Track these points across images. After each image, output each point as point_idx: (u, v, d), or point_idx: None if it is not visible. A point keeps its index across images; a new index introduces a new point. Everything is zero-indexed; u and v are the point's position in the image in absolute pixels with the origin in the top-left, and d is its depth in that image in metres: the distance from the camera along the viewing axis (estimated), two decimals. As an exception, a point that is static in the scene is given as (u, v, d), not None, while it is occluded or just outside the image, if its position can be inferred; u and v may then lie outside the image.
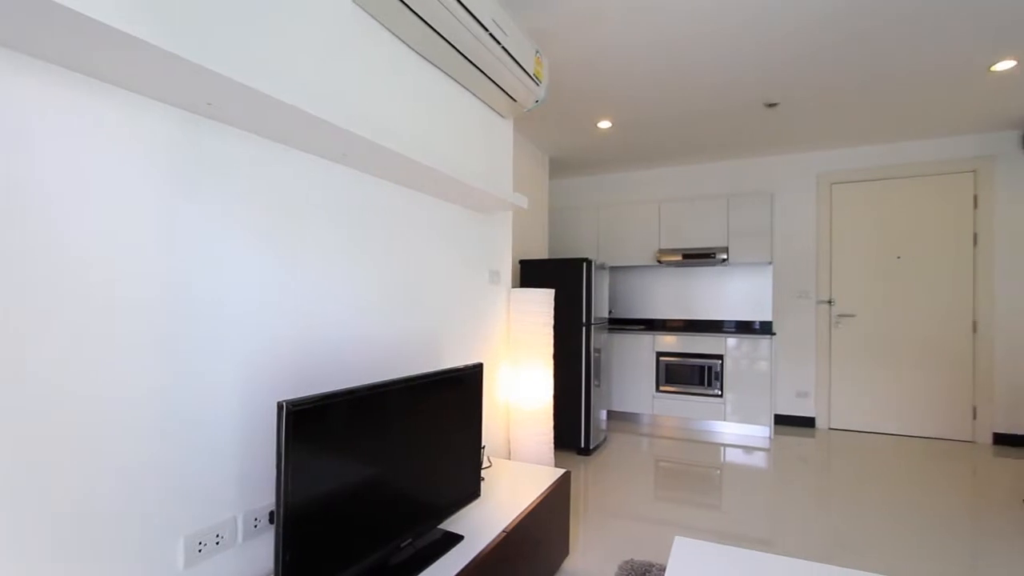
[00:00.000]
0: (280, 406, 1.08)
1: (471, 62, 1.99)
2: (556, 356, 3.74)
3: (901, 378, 4.40)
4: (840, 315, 4.59)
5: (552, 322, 2.63)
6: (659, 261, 4.86)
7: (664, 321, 5.18)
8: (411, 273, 1.93)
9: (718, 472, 3.44)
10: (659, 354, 4.64)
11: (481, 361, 2.17)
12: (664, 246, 4.89)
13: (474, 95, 2.33)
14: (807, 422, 4.68)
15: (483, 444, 2.36)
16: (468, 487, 1.74)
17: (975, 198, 4.21)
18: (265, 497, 1.36)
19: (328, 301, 1.55)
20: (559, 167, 5.28)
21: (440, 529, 1.64)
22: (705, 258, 4.68)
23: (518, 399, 2.60)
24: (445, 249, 2.15)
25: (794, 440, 4.24)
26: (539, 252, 4.74)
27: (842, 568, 1.37)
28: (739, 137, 4.29)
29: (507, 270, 2.66)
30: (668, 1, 2.35)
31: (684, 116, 3.83)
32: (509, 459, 2.61)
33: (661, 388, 4.62)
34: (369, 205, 1.72)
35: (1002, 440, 4.10)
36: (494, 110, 2.53)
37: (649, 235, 4.96)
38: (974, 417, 4.19)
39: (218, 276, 1.23)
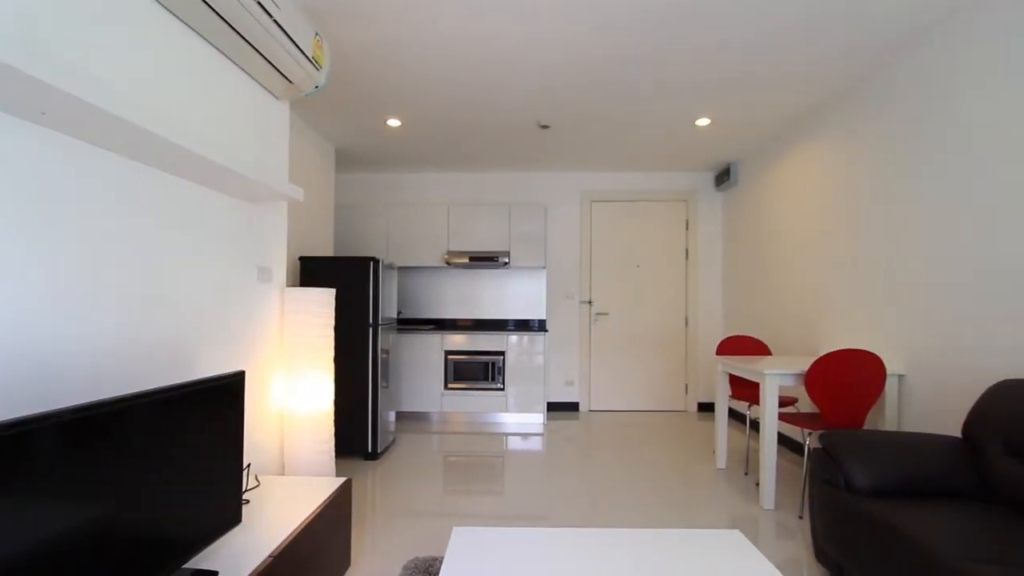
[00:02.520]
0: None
1: (234, 29, 1.75)
2: (339, 359, 3.54)
3: (640, 364, 5.37)
4: (597, 313, 5.39)
5: (333, 323, 2.47)
6: (448, 262, 5.02)
7: (453, 321, 5.37)
8: (157, 270, 1.60)
9: (500, 460, 3.69)
10: (448, 353, 4.78)
11: (243, 369, 1.92)
12: (453, 248, 5.06)
13: (242, 70, 2.06)
14: (573, 407, 5.37)
15: (247, 463, 2.09)
16: (225, 514, 1.51)
17: (687, 222, 5.39)
18: None
19: (38, 306, 1.18)
20: (348, 161, 5.04)
21: (187, 569, 1.39)
22: (489, 261, 5.00)
23: (295, 408, 2.38)
24: (203, 243, 1.84)
25: (563, 424, 4.82)
26: (324, 249, 4.45)
27: (597, 528, 1.60)
28: (519, 151, 4.70)
29: (281, 268, 2.42)
30: (446, 5, 2.44)
31: (469, 126, 4.03)
32: (283, 474, 2.37)
33: (450, 385, 4.77)
34: (91, 184, 1.37)
35: (703, 408, 5.34)
36: (267, 90, 2.27)
37: (439, 237, 5.08)
38: (686, 392, 5.36)
39: None
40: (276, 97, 2.35)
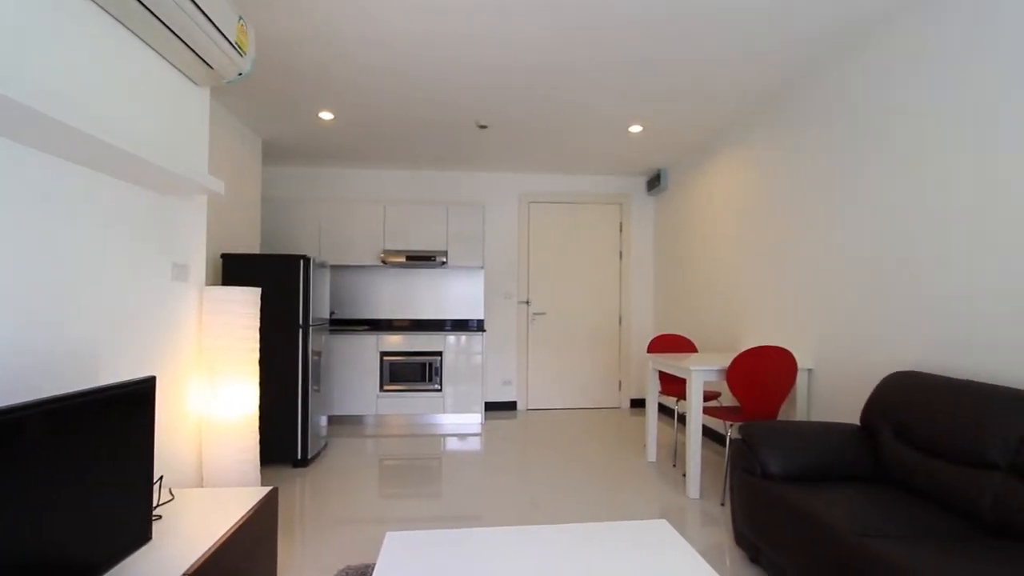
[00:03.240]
0: None
1: (146, 6, 1.61)
2: (266, 361, 3.37)
3: (576, 363, 5.49)
4: (535, 313, 5.45)
5: (258, 324, 2.34)
6: (384, 261, 4.90)
7: (390, 321, 5.25)
8: (54, 268, 1.44)
9: (438, 462, 3.65)
10: (383, 354, 4.66)
11: (154, 374, 1.78)
12: (389, 247, 4.95)
13: (155, 51, 1.91)
14: (511, 406, 5.40)
15: (159, 475, 1.93)
16: (132, 532, 1.39)
17: (621, 224, 5.58)
18: None
19: None
20: (278, 154, 4.80)
21: (85, 595, 1.26)
22: (427, 260, 4.93)
23: (215, 415, 2.23)
24: (109, 238, 1.68)
25: (501, 423, 4.84)
26: (250, 246, 4.21)
27: (531, 526, 1.61)
28: (457, 151, 4.67)
29: (200, 265, 2.26)
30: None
31: (406, 123, 3.95)
32: (202, 486, 2.21)
33: (385, 387, 4.65)
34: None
35: (635, 404, 5.54)
36: (184, 74, 2.11)
37: (375, 235, 4.95)
38: (620, 389, 5.54)
39: None
40: (195, 83, 2.19)
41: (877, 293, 2.55)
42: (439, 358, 4.73)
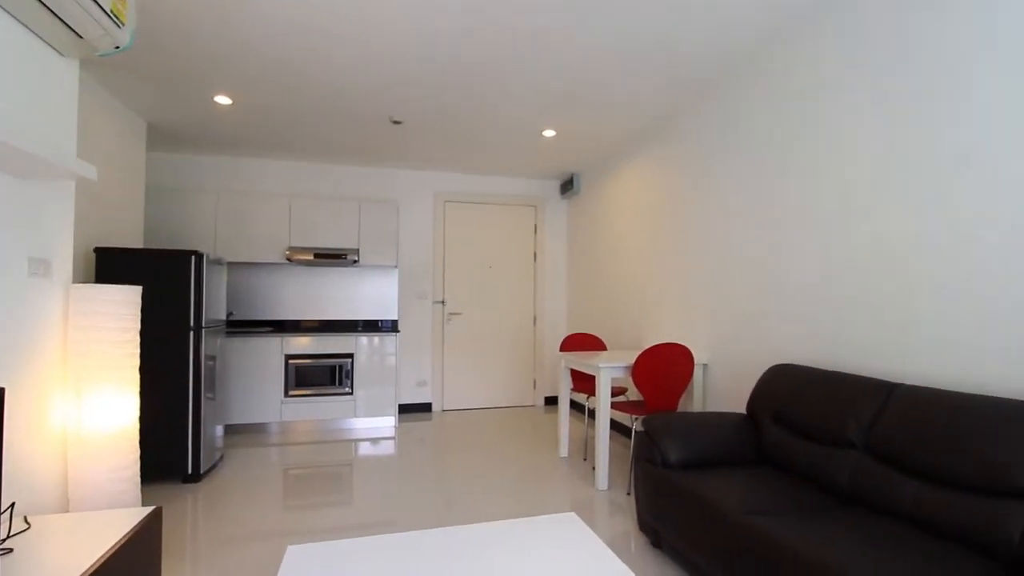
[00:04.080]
0: None
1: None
2: (150, 368, 3.05)
3: (491, 362, 5.52)
4: (450, 313, 5.41)
5: (138, 327, 2.11)
6: (289, 259, 4.62)
7: (296, 322, 4.96)
8: None
9: (349, 468, 3.50)
10: (289, 357, 4.40)
11: (2, 386, 1.55)
12: (295, 244, 4.68)
13: (8, 13, 1.65)
14: (426, 407, 5.32)
15: (9, 502, 1.68)
16: (-30, 571, 1.19)
17: (535, 226, 5.70)
18: None
19: None
20: (167, 139, 4.36)
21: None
22: (337, 258, 4.72)
23: (85, 428, 1.97)
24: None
25: (416, 425, 4.75)
26: (131, 239, 3.78)
27: (443, 528, 1.59)
28: (370, 145, 4.52)
29: (66, 260, 1.99)
30: (295, -14, 2.25)
31: (314, 114, 3.76)
32: (67, 511, 1.95)
33: (291, 392, 4.39)
34: None
35: (549, 401, 5.68)
36: (47, 43, 1.85)
37: (279, 231, 4.65)
38: (534, 387, 5.65)
39: None
40: (60, 53, 1.93)
41: (761, 295, 2.82)
42: (350, 360, 4.55)
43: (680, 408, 3.45)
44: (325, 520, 2.67)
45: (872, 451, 1.86)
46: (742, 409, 2.95)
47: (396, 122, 3.91)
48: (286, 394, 4.38)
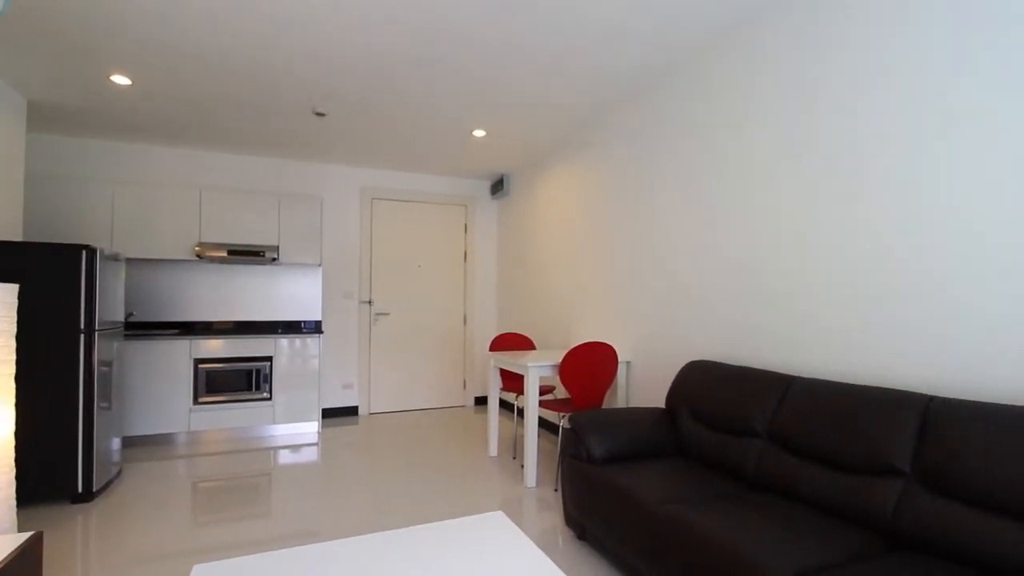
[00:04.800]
0: None
1: None
2: (30, 376, 2.72)
3: (421, 363, 5.44)
4: (378, 313, 5.27)
5: (14, 330, 1.87)
6: (200, 256, 4.28)
7: (208, 324, 4.62)
8: None
9: (267, 478, 3.31)
10: (199, 361, 4.08)
11: None
12: (206, 239, 4.35)
13: None
14: (352, 411, 5.14)
15: None
16: None
17: (466, 226, 5.68)
18: None
19: None
20: (51, 119, 3.90)
21: None
22: (254, 256, 4.44)
23: (-57, 450, 1.72)
24: None
25: (341, 430, 4.57)
26: (8, 231, 3.34)
27: (369, 535, 1.54)
28: (292, 137, 4.29)
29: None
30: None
31: (228, 102, 3.51)
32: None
33: (201, 400, 4.08)
34: None
35: (479, 401, 5.68)
36: None
37: (187, 225, 4.31)
38: (464, 388, 5.63)
39: None
40: (-86, 14, 1.67)
41: (679, 295, 2.98)
42: (268, 364, 4.30)
43: (605, 405, 3.58)
44: (240, 535, 2.50)
45: (774, 440, 2.02)
46: (662, 404, 3.11)
47: (319, 114, 3.74)
48: (195, 401, 4.07)
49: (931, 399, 1.63)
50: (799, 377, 2.10)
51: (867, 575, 1.34)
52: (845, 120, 2.06)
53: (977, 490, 1.40)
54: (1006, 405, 1.46)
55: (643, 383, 3.30)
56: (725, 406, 2.25)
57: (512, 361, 3.30)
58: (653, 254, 3.20)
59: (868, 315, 1.96)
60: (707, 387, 2.39)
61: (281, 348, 4.34)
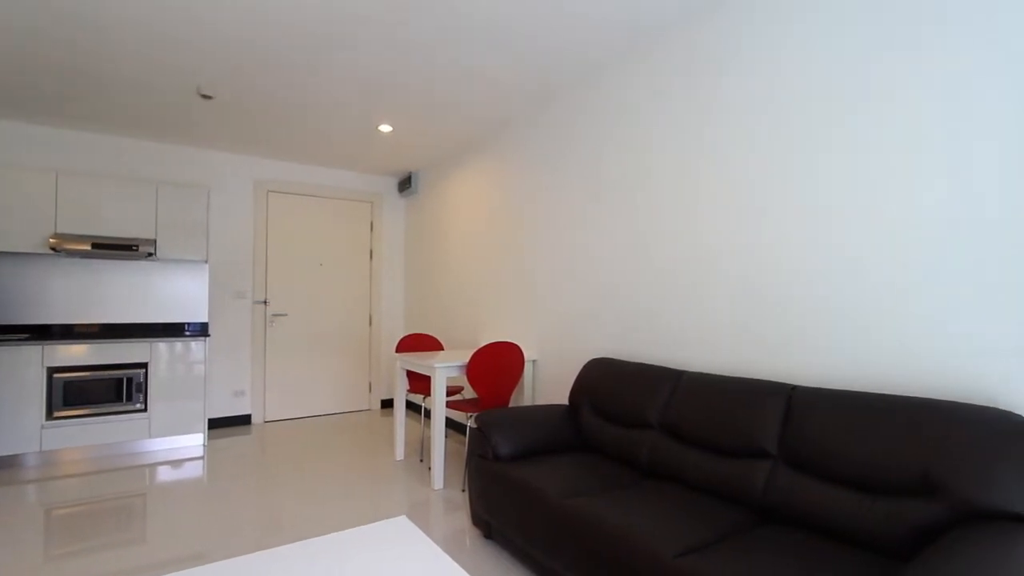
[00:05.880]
0: None
1: None
2: None
3: (323, 367, 5.17)
4: (275, 314, 4.93)
5: None
6: (55, 249, 3.73)
7: (69, 327, 4.04)
8: None
9: (142, 499, 2.97)
10: (54, 370, 3.56)
11: None
12: (64, 230, 3.80)
13: None
14: (244, 420, 4.77)
15: None
16: None
17: (372, 224, 5.49)
18: None
19: None
20: None
21: None
22: (125, 250, 3.95)
23: None
24: None
25: (231, 441, 4.22)
26: None
27: (261, 552, 1.43)
28: (173, 120, 3.88)
29: None
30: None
31: (91, 74, 3.10)
32: None
33: (57, 415, 3.56)
34: None
35: (386, 404, 5.53)
36: None
37: (40, 214, 3.73)
38: (370, 391, 5.45)
39: None
40: None
41: (583, 295, 3.11)
42: (143, 371, 3.85)
43: (513, 403, 3.64)
44: (107, 565, 2.22)
45: (665, 430, 2.18)
46: (565, 400, 3.22)
47: (206, 96, 3.42)
48: (49, 416, 3.54)
49: (794, 388, 1.85)
50: (687, 371, 2.28)
51: (738, 548, 1.49)
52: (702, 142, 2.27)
53: (826, 466, 1.62)
54: (853, 392, 1.69)
55: (549, 381, 3.40)
56: (623, 400, 2.39)
57: (419, 362, 3.25)
58: (559, 255, 3.31)
59: (749, 313, 2.18)
60: (607, 383, 2.52)
61: (159, 353, 3.91)
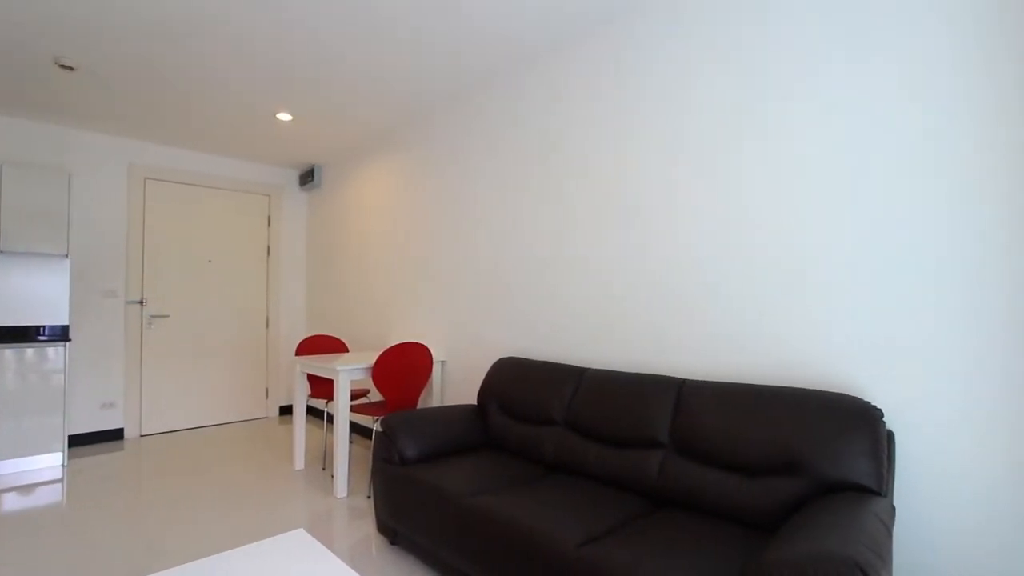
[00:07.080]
0: None
1: None
2: None
3: (212, 373, 4.74)
4: (153, 316, 4.43)
5: None
6: None
7: None
8: None
9: (-28, 535, 2.52)
10: None
11: None
12: None
13: None
14: (115, 435, 4.24)
15: None
16: None
17: (269, 218, 5.13)
18: None
19: None
20: None
21: None
22: (-42, 243, 3.35)
23: None
24: None
25: (98, 459, 3.73)
26: None
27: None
28: (22, 91, 3.35)
29: None
30: None
31: (-82, 31, 2.59)
32: None
33: None
34: None
35: (285, 411, 5.19)
36: None
37: None
38: (267, 397, 5.08)
39: None
40: None
41: (491, 295, 3.13)
42: (-17, 384, 3.29)
43: (421, 405, 3.58)
44: (-73, 617, 1.87)
45: (569, 426, 2.26)
46: (474, 400, 3.23)
47: (66, 67, 2.99)
48: None
49: (684, 382, 2.00)
50: (589, 368, 2.38)
51: (636, 532, 1.58)
52: (624, 154, 2.40)
53: (707, 451, 1.77)
54: (734, 384, 1.86)
55: (458, 381, 3.38)
56: (529, 399, 2.44)
57: (321, 365, 3.09)
58: (467, 254, 3.31)
59: (646, 313, 2.32)
60: (514, 382, 2.56)
61: (5, 361, 3.36)
